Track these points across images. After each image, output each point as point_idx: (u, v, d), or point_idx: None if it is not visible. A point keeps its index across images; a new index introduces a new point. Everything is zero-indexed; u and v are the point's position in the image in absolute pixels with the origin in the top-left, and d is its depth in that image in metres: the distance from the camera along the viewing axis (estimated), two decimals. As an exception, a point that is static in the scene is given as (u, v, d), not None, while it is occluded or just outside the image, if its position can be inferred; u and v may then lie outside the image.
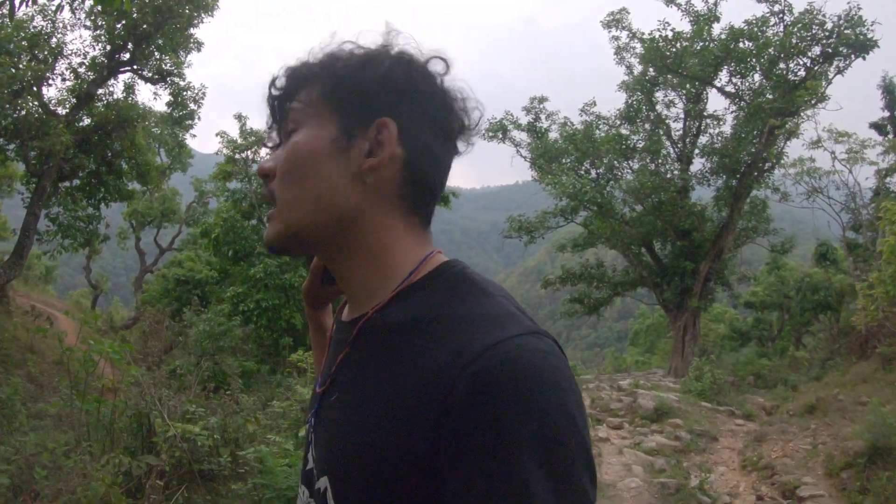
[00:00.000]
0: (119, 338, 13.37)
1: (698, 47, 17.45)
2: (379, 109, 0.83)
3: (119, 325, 20.03)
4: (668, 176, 19.55)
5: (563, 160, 20.27)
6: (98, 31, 10.65)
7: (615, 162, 20.03)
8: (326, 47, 0.88)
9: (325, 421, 0.86)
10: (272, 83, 0.90)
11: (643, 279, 20.62)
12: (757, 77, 17.94)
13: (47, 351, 11.32)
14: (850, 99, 18.13)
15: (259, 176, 0.90)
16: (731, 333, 26.20)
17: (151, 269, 23.80)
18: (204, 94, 13.78)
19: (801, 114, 16.97)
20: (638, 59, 19.33)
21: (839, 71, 16.55)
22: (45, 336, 10.49)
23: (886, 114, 20.22)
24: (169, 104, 13.54)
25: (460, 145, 0.90)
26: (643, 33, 18.74)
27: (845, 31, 15.82)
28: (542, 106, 21.55)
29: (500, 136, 21.62)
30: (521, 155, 21.77)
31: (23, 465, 4.27)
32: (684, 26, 18.24)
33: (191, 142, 16.01)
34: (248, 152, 18.72)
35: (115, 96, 11.35)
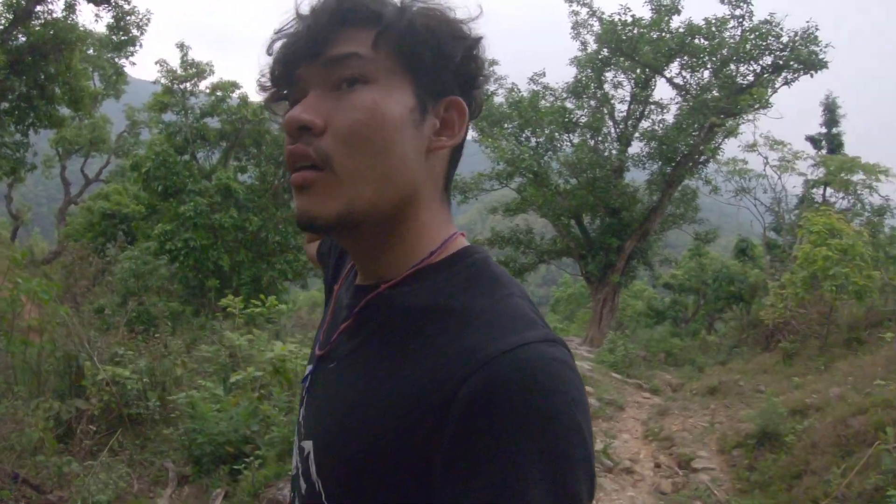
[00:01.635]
0: (41, 273, 12.88)
1: (655, 36, 17.75)
2: (453, 86, 0.79)
3: (40, 258, 19.22)
4: (606, 154, 19.95)
5: (506, 125, 20.38)
6: (40, -55, 9.93)
7: (556, 133, 20.27)
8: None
9: (320, 386, 0.85)
10: (314, 12, 0.76)
11: (570, 250, 21.05)
12: (706, 74, 18.32)
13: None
14: (790, 109, 18.85)
15: (292, 127, 0.75)
16: (648, 311, 27.20)
17: (76, 200, 22.70)
18: (149, 20, 13.06)
19: (743, 116, 17.63)
20: (594, 38, 19.48)
21: (786, 82, 17.10)
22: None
23: (824, 130, 21.47)
24: (110, 28, 12.72)
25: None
26: (603, 13, 18.93)
27: (799, 47, 16.33)
28: (491, 69, 21.36)
29: None
30: (463, 115, 21.71)
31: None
32: (645, 13, 18.48)
33: (128, 68, 15.10)
34: (188, 84, 18.05)
35: (54, 15, 10.62)
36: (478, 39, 0.79)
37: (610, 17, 18.36)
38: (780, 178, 20.26)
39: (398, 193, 0.76)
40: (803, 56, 16.26)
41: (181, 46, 17.92)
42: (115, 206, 19.46)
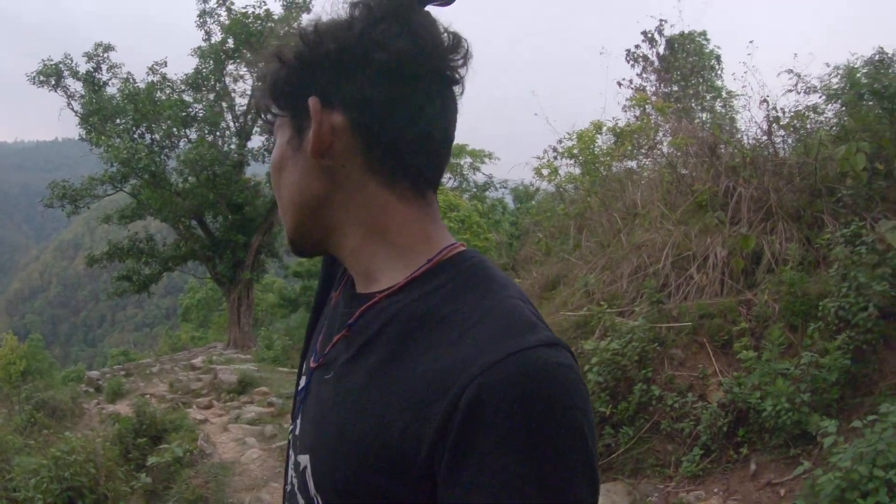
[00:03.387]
0: None
1: (282, 31, 18.05)
2: (306, 93, 0.77)
3: None
4: (226, 150, 19.65)
5: (118, 121, 18.56)
6: None
7: (174, 129, 19.22)
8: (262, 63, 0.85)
9: (316, 399, 0.83)
10: (258, 114, 0.90)
11: (195, 252, 20.22)
12: None
13: None
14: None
15: None
16: (280, 301, 27.83)
17: None
18: None
19: None
20: (220, 28, 18.96)
21: None
22: None
23: None
24: None
25: (454, 74, 0.79)
26: (233, 3, 18.56)
27: None
28: (106, 55, 19.16)
29: (53, 82, 18.65)
30: (72, 109, 19.06)
31: None
32: (276, 9, 18.67)
33: None
34: None
35: None
36: (302, 33, 0.79)
37: (243, 9, 18.16)
38: None
39: (306, 209, 0.81)
40: None
41: None
42: None
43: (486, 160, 23.30)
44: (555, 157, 10.18)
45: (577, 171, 10.05)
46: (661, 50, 11.96)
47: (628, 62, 11.84)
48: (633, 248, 6.54)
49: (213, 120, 19.52)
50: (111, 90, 19.17)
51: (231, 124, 20.28)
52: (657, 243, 6.20)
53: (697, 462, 4.33)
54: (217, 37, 19.40)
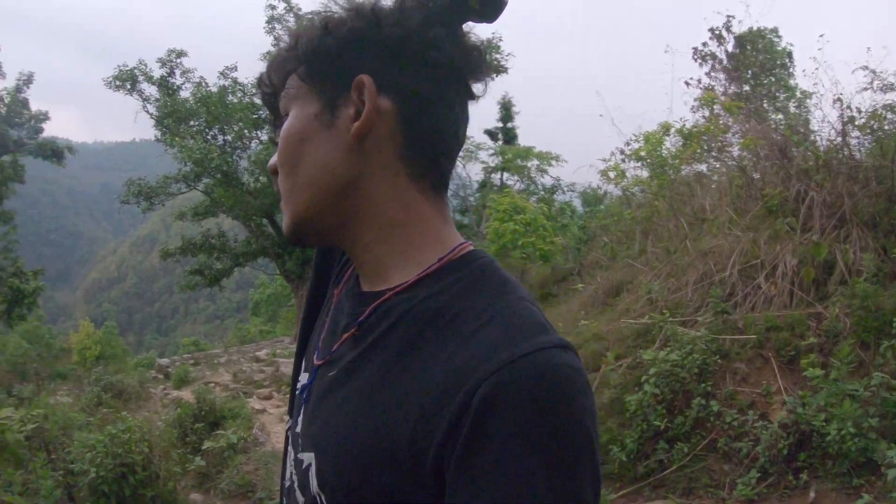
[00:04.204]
0: None
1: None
2: (353, 70, 0.77)
3: None
4: (298, 149, 20.22)
5: (192, 122, 19.26)
6: None
7: (245, 131, 19.78)
8: (295, 28, 0.84)
9: (322, 396, 0.81)
10: (260, 82, 0.85)
11: (265, 249, 20.77)
12: None
13: None
14: (473, 109, 21.65)
15: (270, 174, 0.85)
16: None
17: None
18: None
19: None
20: (287, 33, 19.40)
21: None
22: None
23: (500, 125, 25.29)
24: None
25: (475, 87, 0.83)
26: (301, 9, 18.89)
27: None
28: (179, 60, 19.98)
29: (129, 87, 19.48)
30: (147, 111, 19.93)
31: None
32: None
33: None
34: None
35: None
36: (357, 11, 0.78)
37: (310, 15, 18.48)
38: (464, 167, 23.36)
39: (329, 190, 0.78)
40: (487, 63, 18.53)
41: None
42: None
43: (554, 163, 23.02)
44: (622, 160, 9.94)
45: (645, 174, 9.79)
46: (730, 47, 11.48)
47: (695, 60, 11.41)
48: (699, 255, 6.28)
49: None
50: (184, 94, 19.91)
51: (305, 125, 20.74)
52: (724, 250, 5.93)
53: (753, 485, 4.05)
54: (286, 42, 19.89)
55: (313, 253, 1.05)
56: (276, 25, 19.79)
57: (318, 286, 1.02)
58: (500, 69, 18.58)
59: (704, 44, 11.72)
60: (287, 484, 0.86)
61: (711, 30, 11.66)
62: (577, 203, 22.81)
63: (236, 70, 20.45)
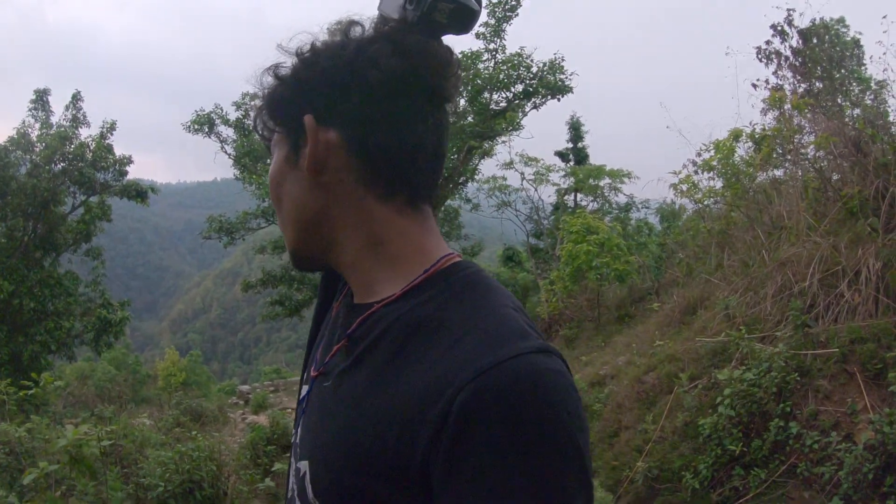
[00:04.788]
0: None
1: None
2: (303, 111, 0.79)
3: None
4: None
5: (268, 161, 19.96)
6: None
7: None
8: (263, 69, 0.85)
9: (316, 406, 0.84)
10: (256, 131, 0.89)
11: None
12: (462, 102, 19.90)
13: None
14: (540, 129, 21.78)
15: None
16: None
17: None
18: None
19: (498, 138, 19.36)
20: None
21: (535, 107, 19.12)
22: None
23: (570, 145, 25.08)
24: None
25: (445, 92, 0.82)
26: None
27: (547, 76, 18.27)
28: (252, 103, 20.82)
29: (206, 129, 20.46)
30: (225, 152, 20.87)
31: None
32: None
33: None
34: None
35: None
36: (300, 52, 0.82)
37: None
38: (536, 189, 23.26)
39: (306, 225, 0.83)
40: (551, 83, 18.24)
41: None
42: None
43: (626, 180, 22.54)
44: (694, 172, 9.52)
45: (719, 184, 9.34)
46: (795, 43, 10.81)
47: (760, 60, 10.79)
48: (777, 266, 5.88)
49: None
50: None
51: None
52: (803, 258, 5.52)
53: (837, 514, 3.64)
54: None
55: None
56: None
57: (323, 303, 1.05)
58: (564, 89, 18.41)
59: (768, 42, 11.14)
60: (290, 494, 0.87)
61: (773, 26, 11.07)
62: (655, 220, 22.35)
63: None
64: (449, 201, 20.64)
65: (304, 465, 0.80)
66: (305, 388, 0.91)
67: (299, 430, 0.87)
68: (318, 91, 0.79)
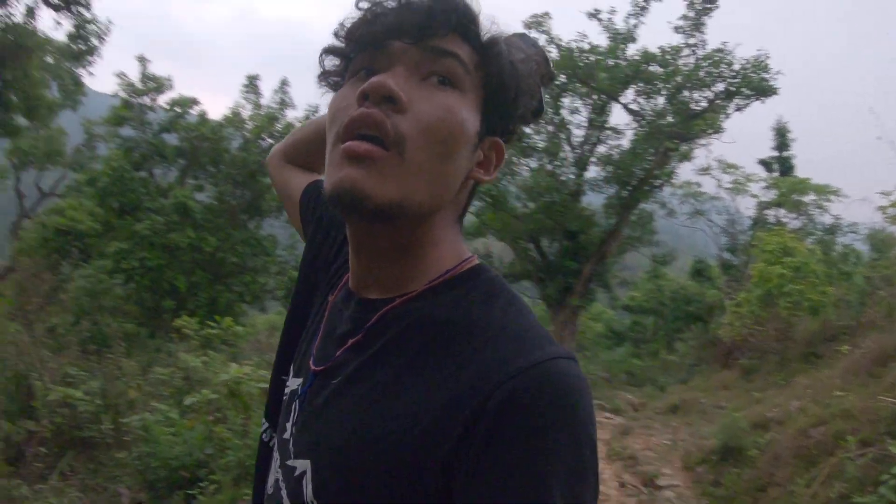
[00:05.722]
0: (-8, 290, 12.47)
1: (611, 63, 18.11)
2: (502, 130, 0.83)
3: (-9, 274, 18.49)
4: (563, 178, 20.16)
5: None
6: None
7: (514, 158, 20.47)
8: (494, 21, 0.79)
9: (322, 403, 0.80)
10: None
11: (528, 273, 21.11)
12: (661, 100, 18.75)
13: None
14: (742, 134, 19.89)
15: (378, 93, 0.72)
16: (608, 333, 27.46)
17: (30, 214, 21.73)
18: (109, 30, 12.73)
19: (696, 141, 18.04)
20: (552, 64, 19.78)
21: (738, 108, 17.67)
22: None
23: (775, 153, 22.56)
24: (70, 36, 12.31)
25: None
26: (561, 40, 19.23)
27: (750, 75, 16.87)
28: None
29: None
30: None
31: None
32: (601, 41, 18.81)
33: (87, 77, 14.85)
34: (147, 98, 17.80)
35: (13, 19, 10.15)
36: (541, 101, 0.86)
37: (567, 44, 18.69)
38: (733, 200, 20.95)
39: (441, 201, 0.77)
40: (754, 83, 16.81)
41: (141, 59, 17.78)
42: (69, 221, 18.80)
43: (833, 198, 19.74)
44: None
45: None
46: None
47: None
48: None
49: (552, 150, 20.24)
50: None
51: (569, 154, 20.83)
52: None
53: None
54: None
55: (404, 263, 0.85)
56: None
57: (304, 293, 1.02)
58: (769, 90, 16.78)
59: None
60: (270, 491, 0.86)
61: None
62: (863, 247, 19.57)
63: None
64: (643, 204, 19.69)
65: (302, 465, 0.78)
66: (297, 382, 0.88)
67: (292, 426, 0.84)
68: (515, 137, 0.87)
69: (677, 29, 17.69)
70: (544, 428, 0.64)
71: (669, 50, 17.84)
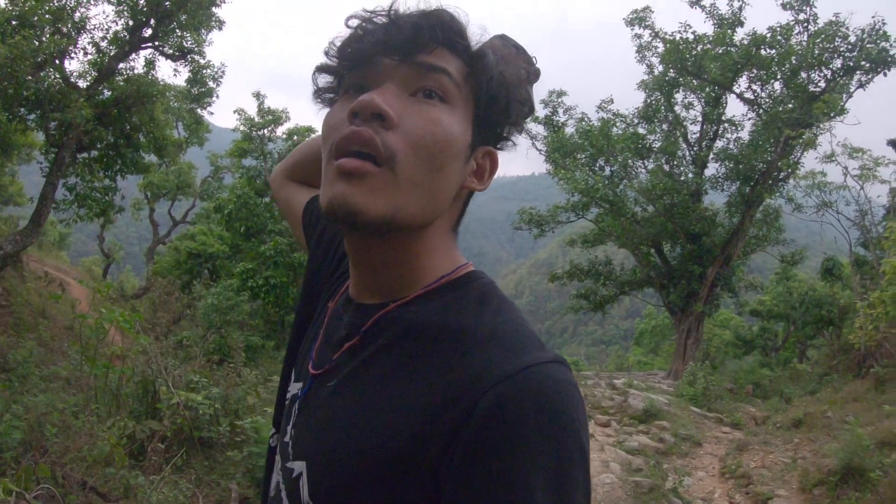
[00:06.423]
0: (129, 307, 13.72)
1: (720, 51, 17.27)
2: (495, 139, 0.85)
3: (130, 293, 20.39)
4: (682, 178, 19.35)
5: (578, 156, 20.14)
6: (121, 7, 10.56)
7: (630, 161, 19.93)
8: (482, 33, 0.81)
9: (317, 405, 0.83)
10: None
11: (650, 280, 20.42)
12: (777, 85, 17.66)
13: (59, 316, 11.56)
14: (867, 113, 18.10)
15: (367, 111, 0.74)
16: (735, 340, 26.02)
17: (164, 240, 23.92)
18: (223, 72, 13.81)
19: (818, 126, 16.56)
20: (659, 59, 19.10)
21: (860, 85, 16.34)
22: (57, 302, 10.74)
23: None
24: (188, 81, 13.55)
25: None
26: (666, 33, 18.60)
27: (868, 46, 15.60)
28: (560, 100, 21.31)
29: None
30: (536, 148, 21.64)
31: (34, 423, 4.51)
32: (707, 29, 18.07)
33: (208, 116, 16.26)
34: (265, 130, 19.09)
35: (135, 71, 11.26)
36: (532, 108, 0.86)
37: (672, 36, 18.06)
38: (862, 188, 18.80)
39: (434, 213, 0.78)
40: (873, 54, 15.51)
41: (257, 95, 19.16)
42: (200, 245, 20.49)
43: None
44: None
45: None
46: None
47: None
48: None
49: (668, 150, 19.57)
50: (569, 130, 21.02)
51: (686, 153, 20.04)
52: None
53: None
54: (658, 69, 19.45)
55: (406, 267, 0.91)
56: (645, 54, 19.66)
57: (307, 300, 1.05)
58: (891, 60, 15.27)
59: None
60: (272, 493, 0.88)
61: None
62: None
63: (612, 102, 21.00)
64: (768, 200, 18.36)
65: (299, 466, 0.80)
66: (297, 386, 0.91)
67: (291, 429, 0.86)
68: (505, 144, 0.87)
69: (785, 6, 16.59)
70: (530, 434, 0.64)
71: (780, 29, 16.77)
